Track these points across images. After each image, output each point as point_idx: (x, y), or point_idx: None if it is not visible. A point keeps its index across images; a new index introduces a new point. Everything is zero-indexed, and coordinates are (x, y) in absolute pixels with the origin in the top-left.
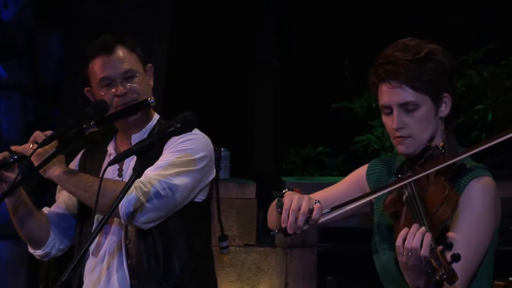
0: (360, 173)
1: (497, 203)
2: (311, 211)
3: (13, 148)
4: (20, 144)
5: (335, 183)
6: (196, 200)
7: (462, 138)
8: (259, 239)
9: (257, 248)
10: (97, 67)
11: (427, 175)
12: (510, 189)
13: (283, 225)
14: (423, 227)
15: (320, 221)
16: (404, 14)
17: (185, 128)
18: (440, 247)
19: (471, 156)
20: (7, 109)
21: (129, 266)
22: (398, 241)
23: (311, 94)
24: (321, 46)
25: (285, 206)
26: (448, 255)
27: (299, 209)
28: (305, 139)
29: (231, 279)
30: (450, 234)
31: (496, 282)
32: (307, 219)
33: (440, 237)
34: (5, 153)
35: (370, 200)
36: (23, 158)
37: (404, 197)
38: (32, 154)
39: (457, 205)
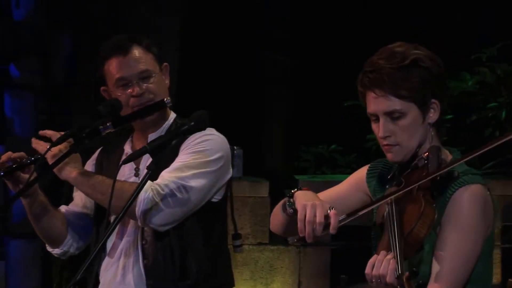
0: (360, 175)
1: (487, 210)
2: (327, 217)
3: (33, 143)
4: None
5: None
6: (213, 200)
7: (475, 136)
8: (272, 237)
9: (271, 246)
10: (113, 68)
11: (411, 190)
12: None
13: (301, 235)
14: (390, 254)
15: (337, 226)
16: (416, 11)
17: (198, 126)
18: (407, 274)
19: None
20: (19, 109)
21: (145, 266)
22: (368, 269)
23: (324, 92)
24: (333, 44)
25: (300, 216)
26: (415, 282)
27: (315, 218)
28: (317, 137)
29: (244, 277)
30: (439, 243)
31: (510, 280)
32: (325, 227)
33: (420, 250)
34: (22, 154)
35: (370, 199)
36: (39, 160)
37: (384, 214)
38: (46, 152)
39: (433, 221)
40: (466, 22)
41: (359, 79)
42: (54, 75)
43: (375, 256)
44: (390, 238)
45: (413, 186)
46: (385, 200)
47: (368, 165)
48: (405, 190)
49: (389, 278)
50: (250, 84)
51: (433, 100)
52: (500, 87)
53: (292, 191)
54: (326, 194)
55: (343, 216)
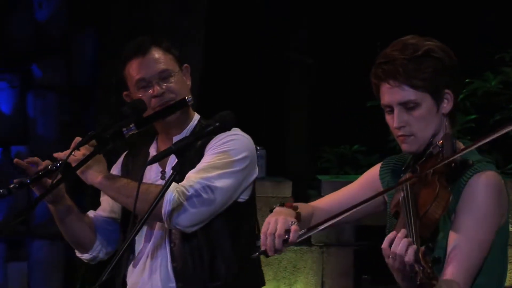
0: (373, 172)
1: (502, 197)
2: (288, 232)
3: (55, 155)
4: (57, 144)
5: None
6: (239, 200)
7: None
8: None
9: (294, 247)
10: (133, 69)
11: (425, 174)
12: None
13: (263, 248)
14: (409, 239)
15: (298, 240)
16: (441, 11)
17: (223, 127)
18: (422, 249)
19: (504, 149)
20: (42, 109)
21: (174, 269)
22: (385, 244)
23: (346, 92)
24: (356, 45)
25: (263, 230)
26: (430, 258)
27: (275, 231)
28: (340, 138)
29: (267, 278)
30: (453, 231)
31: None
32: (285, 241)
33: (435, 233)
34: (48, 162)
35: (384, 199)
36: (65, 166)
37: (400, 198)
38: (68, 156)
39: (448, 203)
40: (490, 22)
41: (372, 71)
42: (76, 75)
43: (394, 232)
44: (406, 219)
45: (428, 170)
46: (400, 185)
47: (381, 163)
48: (420, 175)
49: (408, 259)
50: (273, 84)
51: (446, 91)
52: None
53: (274, 206)
54: (339, 194)
55: (303, 231)
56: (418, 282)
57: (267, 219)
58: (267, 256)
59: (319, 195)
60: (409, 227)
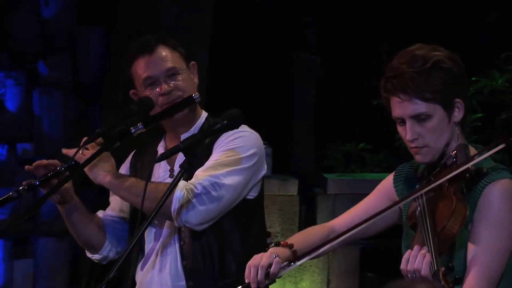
0: (386, 183)
1: None
2: (270, 265)
3: (64, 151)
4: (62, 142)
5: (377, 179)
6: (248, 197)
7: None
8: None
9: None
10: (140, 68)
11: (440, 186)
12: None
13: (247, 281)
14: (424, 248)
15: (280, 274)
16: (446, 10)
17: (231, 125)
18: (443, 269)
19: (508, 148)
20: (48, 106)
21: (184, 267)
22: (403, 264)
23: (352, 90)
24: (361, 43)
25: (248, 264)
26: (451, 277)
27: (259, 263)
28: (346, 136)
29: None
30: (471, 242)
31: None
32: (267, 274)
33: (453, 247)
34: (56, 162)
35: (399, 208)
36: (73, 167)
37: (417, 212)
38: (75, 154)
39: (465, 217)
40: (497, 21)
41: (381, 85)
42: (82, 73)
43: (409, 251)
44: (424, 235)
45: (442, 180)
46: (415, 196)
47: (393, 172)
48: (434, 185)
49: (424, 271)
50: (279, 83)
51: (457, 100)
52: None
53: (271, 245)
54: (356, 210)
55: (285, 263)
56: None
57: (254, 256)
58: None
59: (325, 193)
60: (427, 244)
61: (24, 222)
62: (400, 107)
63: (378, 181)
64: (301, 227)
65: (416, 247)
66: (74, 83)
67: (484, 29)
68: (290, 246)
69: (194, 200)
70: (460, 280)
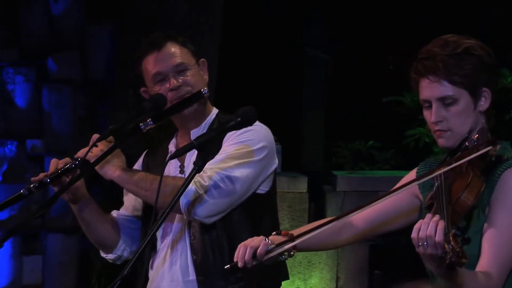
0: (410, 176)
1: None
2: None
3: (76, 156)
4: (71, 138)
5: (386, 177)
6: (259, 191)
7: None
8: None
9: None
10: (149, 64)
11: (460, 166)
12: None
13: (235, 260)
14: (437, 216)
15: (266, 257)
16: (457, 8)
17: (245, 123)
18: (453, 231)
19: None
20: (57, 103)
21: (194, 262)
22: (413, 233)
23: (362, 88)
24: (371, 42)
25: (239, 244)
26: (460, 238)
27: (248, 243)
28: (355, 134)
29: None
30: (487, 224)
31: None
32: (254, 254)
33: (467, 227)
34: (67, 159)
35: (420, 202)
36: (84, 164)
37: (434, 188)
38: (87, 153)
39: (480, 192)
40: (507, 19)
41: (413, 67)
42: (91, 69)
43: (420, 220)
44: (439, 206)
45: (463, 160)
46: (435, 174)
47: (415, 169)
48: (455, 165)
49: (438, 237)
50: (289, 80)
51: (484, 88)
52: None
53: (273, 233)
54: (377, 205)
55: (273, 246)
56: (448, 262)
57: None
58: (238, 268)
59: (334, 191)
60: (441, 213)
61: (33, 218)
62: (429, 88)
63: (387, 178)
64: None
65: (428, 216)
66: (83, 80)
67: (493, 28)
68: (291, 235)
69: (204, 194)
70: (469, 240)
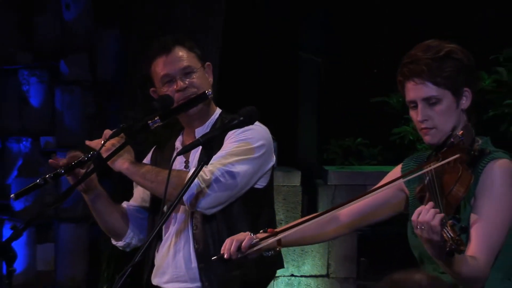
0: (395, 172)
1: None
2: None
3: (87, 142)
4: (82, 135)
5: (373, 172)
6: (257, 186)
7: (491, 130)
8: None
9: None
10: (158, 66)
11: (448, 162)
12: None
13: (221, 252)
14: (436, 209)
15: (250, 250)
16: (438, 14)
17: (247, 121)
18: (450, 221)
19: (496, 144)
20: (68, 103)
21: (196, 250)
22: (414, 216)
23: (352, 89)
24: (361, 46)
25: (227, 238)
26: (458, 227)
27: (234, 237)
28: (345, 131)
29: None
30: (473, 213)
31: None
32: (239, 247)
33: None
34: (79, 153)
35: (406, 196)
36: (96, 156)
37: (426, 182)
38: (101, 148)
39: (470, 184)
40: (485, 24)
41: (399, 71)
42: (100, 71)
43: (422, 206)
44: (433, 198)
45: (451, 159)
46: (424, 171)
47: (400, 164)
48: (444, 162)
49: (434, 222)
50: (285, 82)
51: (465, 88)
52: None
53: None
54: (365, 200)
55: (256, 240)
56: (447, 249)
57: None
58: (224, 259)
59: (326, 184)
60: (436, 205)
61: (48, 209)
62: (414, 90)
63: (374, 173)
64: (303, 215)
65: (430, 203)
66: (93, 81)
67: (473, 32)
68: (274, 232)
69: (205, 187)
70: (466, 229)
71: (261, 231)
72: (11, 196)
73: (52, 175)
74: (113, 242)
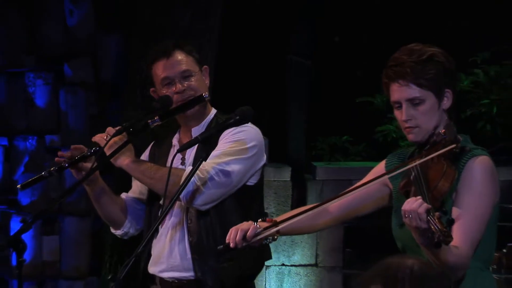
0: (379, 169)
1: (495, 178)
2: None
3: (92, 139)
4: (85, 134)
5: (358, 167)
6: (248, 183)
7: (469, 128)
8: None
9: None
10: (159, 69)
11: (432, 158)
12: (507, 172)
13: (227, 241)
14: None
15: (257, 238)
16: (419, 19)
17: (243, 120)
18: (438, 213)
19: (473, 141)
20: (73, 103)
21: (190, 242)
22: (404, 206)
23: (338, 90)
24: (347, 50)
25: (231, 228)
26: (445, 219)
27: (239, 227)
28: (332, 130)
29: None
30: (455, 208)
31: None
32: (244, 236)
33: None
34: (83, 148)
35: (390, 191)
36: (98, 151)
37: (411, 177)
38: (105, 145)
39: (454, 179)
40: (464, 29)
41: (384, 73)
42: (102, 73)
43: (412, 198)
44: (419, 192)
45: (435, 154)
46: (409, 166)
47: (384, 160)
48: (428, 158)
49: (421, 209)
50: (276, 83)
51: (447, 90)
52: (492, 86)
53: (259, 220)
54: (353, 194)
55: (261, 229)
56: (436, 240)
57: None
58: (229, 248)
59: (314, 179)
60: (423, 198)
61: (52, 203)
62: (399, 91)
63: (359, 169)
64: (293, 208)
65: (419, 197)
66: (95, 83)
67: (452, 36)
68: (274, 221)
69: (200, 185)
70: (453, 221)
71: (260, 220)
72: (18, 186)
73: (57, 168)
74: (112, 230)
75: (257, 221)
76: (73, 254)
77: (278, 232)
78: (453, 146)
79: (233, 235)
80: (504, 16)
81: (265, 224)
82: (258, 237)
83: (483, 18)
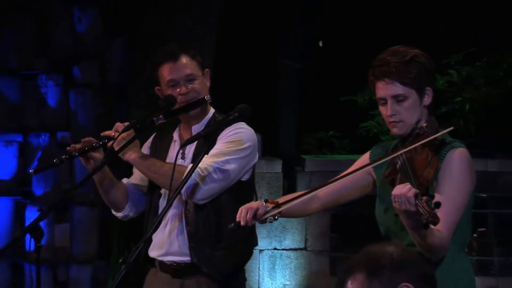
0: (363, 159)
1: (472, 169)
2: (258, 208)
3: (102, 134)
4: (93, 131)
5: (344, 160)
6: (242, 179)
7: (444, 124)
8: None
9: None
10: (165, 71)
11: (415, 148)
12: (478, 164)
13: (237, 219)
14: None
15: (265, 216)
16: (398, 24)
17: (241, 117)
18: (425, 198)
19: (452, 135)
20: (81, 103)
21: (188, 231)
22: (394, 191)
23: (325, 90)
24: (334, 54)
25: (241, 207)
26: (432, 203)
27: (250, 206)
28: (319, 126)
29: (262, 236)
30: (436, 195)
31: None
32: (255, 214)
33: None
34: (92, 140)
35: (374, 180)
36: (106, 143)
37: (397, 166)
38: (114, 141)
39: (437, 168)
40: (439, 32)
41: (370, 72)
42: (109, 75)
43: (402, 184)
44: (407, 179)
45: (420, 143)
46: (394, 155)
47: (368, 151)
48: (413, 146)
49: (409, 193)
50: (269, 84)
51: (427, 88)
52: (464, 85)
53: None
54: (336, 183)
55: (270, 207)
56: (424, 221)
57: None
58: (240, 226)
59: (303, 171)
60: (411, 184)
61: (67, 193)
62: (384, 89)
63: (344, 161)
64: None
65: (407, 183)
66: (102, 84)
67: (428, 38)
68: (276, 202)
69: (200, 181)
70: (439, 204)
71: (263, 200)
72: (31, 171)
73: (67, 156)
74: (113, 212)
75: (265, 201)
76: (82, 240)
77: (280, 212)
78: (438, 134)
79: (244, 213)
80: (477, 21)
81: (271, 205)
82: (265, 216)
83: (458, 22)
